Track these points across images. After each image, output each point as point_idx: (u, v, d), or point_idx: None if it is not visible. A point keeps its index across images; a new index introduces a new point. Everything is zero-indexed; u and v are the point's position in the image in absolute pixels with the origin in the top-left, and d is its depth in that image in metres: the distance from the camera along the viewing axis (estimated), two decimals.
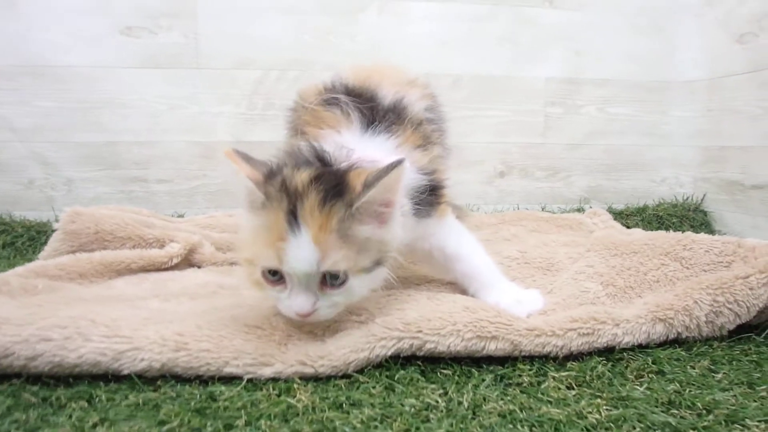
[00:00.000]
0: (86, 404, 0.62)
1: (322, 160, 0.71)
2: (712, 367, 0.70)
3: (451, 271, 0.87)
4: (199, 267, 1.05)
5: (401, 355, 0.70)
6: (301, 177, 0.66)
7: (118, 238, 1.03)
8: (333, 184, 0.66)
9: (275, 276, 0.68)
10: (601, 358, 0.71)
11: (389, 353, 0.69)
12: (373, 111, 0.81)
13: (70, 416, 0.59)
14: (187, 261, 1.06)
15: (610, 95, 1.61)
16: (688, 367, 0.70)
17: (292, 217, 0.64)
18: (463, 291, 0.87)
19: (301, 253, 0.64)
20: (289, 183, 0.66)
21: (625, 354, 0.72)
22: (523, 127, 1.61)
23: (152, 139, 1.47)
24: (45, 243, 1.06)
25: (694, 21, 1.57)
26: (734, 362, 0.71)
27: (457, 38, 1.54)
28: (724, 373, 0.68)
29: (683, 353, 0.73)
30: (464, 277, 0.86)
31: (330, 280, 0.67)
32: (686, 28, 1.58)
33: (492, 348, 0.70)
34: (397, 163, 0.66)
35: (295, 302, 0.67)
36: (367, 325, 0.73)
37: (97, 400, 0.63)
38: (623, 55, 1.59)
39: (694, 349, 0.74)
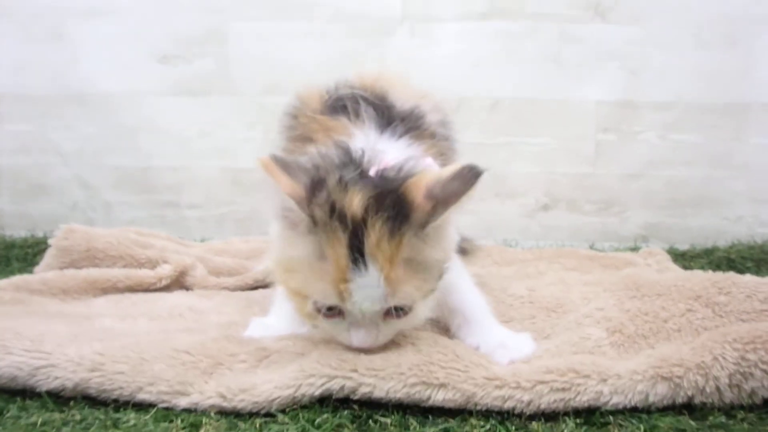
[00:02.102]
0: None
1: (355, 163, 0.62)
2: None
3: (439, 304, 0.75)
4: (189, 289, 1.02)
5: (333, 397, 0.61)
6: (356, 201, 0.57)
7: (110, 256, 1.01)
8: (395, 206, 0.58)
9: (332, 310, 0.61)
10: (578, 420, 0.57)
11: (317, 393, 0.60)
12: (388, 112, 0.73)
13: None
14: (179, 283, 1.03)
15: (674, 120, 1.41)
16: None
17: (358, 254, 0.57)
18: (444, 329, 0.75)
19: (370, 293, 0.57)
20: (341, 207, 0.57)
21: (612, 418, 0.57)
22: (571, 156, 1.45)
23: (184, 164, 1.49)
24: None
25: None
26: None
27: (493, 58, 1.43)
28: None
29: (693, 423, 0.57)
30: (449, 310, 0.74)
31: (395, 311, 0.60)
32: (765, 41, 1.36)
33: (439, 398, 0.59)
34: (476, 173, 0.58)
35: (356, 337, 0.62)
36: (304, 357, 0.64)
37: (5, 416, 0.61)
38: (689, 73, 1.40)
39: (710, 418, 0.57)
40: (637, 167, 1.44)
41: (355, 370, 0.60)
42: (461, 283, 0.75)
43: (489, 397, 0.58)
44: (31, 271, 1.22)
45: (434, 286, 0.63)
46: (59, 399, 0.63)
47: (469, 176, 0.59)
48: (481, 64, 1.44)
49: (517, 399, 0.58)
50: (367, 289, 0.57)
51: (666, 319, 0.72)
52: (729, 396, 0.58)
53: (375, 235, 0.57)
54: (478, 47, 1.44)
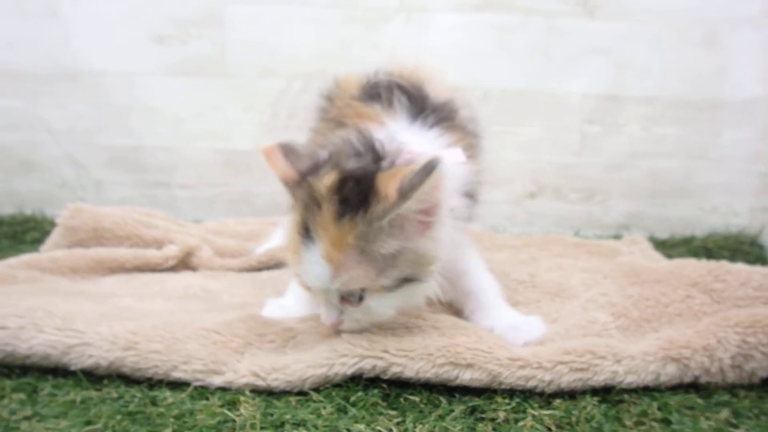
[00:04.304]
0: (25, 397, 0.61)
1: (373, 151, 0.63)
2: (732, 420, 0.59)
3: (452, 287, 0.77)
4: (195, 270, 1.02)
5: (364, 376, 0.63)
6: (323, 182, 0.60)
7: (117, 236, 1.01)
8: (357, 192, 0.59)
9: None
10: (596, 399, 0.61)
11: (349, 372, 0.62)
12: (422, 102, 0.74)
13: (6, 408, 0.59)
14: (185, 264, 1.02)
15: (656, 113, 1.47)
16: (702, 417, 0.58)
17: (305, 229, 0.60)
18: (457, 312, 0.79)
19: (312, 268, 0.60)
20: (313, 188, 0.61)
21: (626, 396, 0.62)
22: (557, 146, 1.49)
23: (177, 144, 1.48)
24: None
25: (754, 33, 1.42)
26: (762, 417, 0.59)
27: (485, 50, 1.46)
28: (747, 428, 0.57)
29: (700, 401, 0.62)
30: (464, 294, 0.77)
31: (347, 296, 0.62)
32: (744, 41, 1.43)
33: (466, 377, 0.62)
34: (434, 164, 0.56)
35: (322, 313, 0.65)
36: (333, 339, 0.66)
37: (40, 394, 0.61)
38: (671, 70, 1.46)
39: (715, 396, 0.63)
40: (620, 158, 1.50)
41: (386, 351, 0.63)
42: (475, 267, 0.78)
43: (513, 376, 0.62)
44: (19, 249, 1.20)
45: (389, 284, 0.61)
46: (92, 377, 0.63)
47: (427, 169, 0.57)
48: (474, 55, 1.47)
49: (539, 378, 0.62)
50: (311, 264, 0.60)
51: (667, 304, 0.76)
52: (731, 376, 0.63)
53: (324, 214, 0.59)
54: (471, 38, 1.46)
